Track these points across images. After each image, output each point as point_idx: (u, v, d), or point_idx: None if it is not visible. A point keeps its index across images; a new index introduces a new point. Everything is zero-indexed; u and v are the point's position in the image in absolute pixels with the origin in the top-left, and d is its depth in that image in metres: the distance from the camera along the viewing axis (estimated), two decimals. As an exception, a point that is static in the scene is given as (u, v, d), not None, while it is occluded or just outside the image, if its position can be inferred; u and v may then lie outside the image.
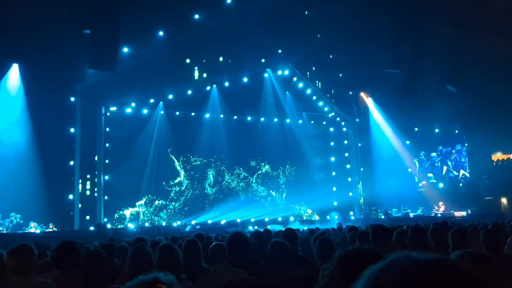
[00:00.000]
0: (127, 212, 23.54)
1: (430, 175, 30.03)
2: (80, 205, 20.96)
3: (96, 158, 22.08)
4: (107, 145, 23.00)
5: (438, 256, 0.92)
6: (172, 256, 4.11)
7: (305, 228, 14.20)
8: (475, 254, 2.33)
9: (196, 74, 23.97)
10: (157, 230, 19.05)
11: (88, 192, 21.53)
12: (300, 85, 26.96)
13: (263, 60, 25.49)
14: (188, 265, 4.70)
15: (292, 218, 25.92)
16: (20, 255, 4.06)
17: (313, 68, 27.11)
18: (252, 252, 5.29)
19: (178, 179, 25.36)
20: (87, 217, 20.95)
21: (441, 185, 29.75)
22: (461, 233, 5.51)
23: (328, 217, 25.87)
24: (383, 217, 25.43)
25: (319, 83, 27.48)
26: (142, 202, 23.98)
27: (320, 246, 4.54)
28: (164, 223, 23.63)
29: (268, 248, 4.79)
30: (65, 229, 19.48)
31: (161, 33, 22.18)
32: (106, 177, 22.71)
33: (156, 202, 24.40)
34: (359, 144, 28.93)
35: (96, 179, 21.92)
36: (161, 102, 24.49)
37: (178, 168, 25.42)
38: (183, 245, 5.04)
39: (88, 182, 21.62)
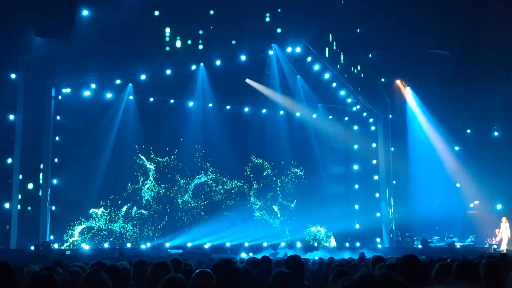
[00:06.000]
0: (80, 228, 23.60)
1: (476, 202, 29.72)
2: (18, 217, 20.87)
3: (42, 156, 22.06)
4: (57, 138, 23.05)
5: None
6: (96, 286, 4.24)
7: (316, 257, 14.43)
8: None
9: (178, 44, 23.93)
10: (119, 253, 19.15)
11: (29, 200, 21.41)
12: (316, 67, 26.69)
13: (267, 19, 24.92)
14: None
15: (299, 244, 26.03)
16: None
17: (334, 46, 26.96)
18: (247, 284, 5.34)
19: (147, 185, 25.40)
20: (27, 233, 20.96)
21: (499, 206, 29.53)
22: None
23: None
24: (420, 246, 25.48)
25: (341, 66, 27.35)
26: (99, 212, 24.04)
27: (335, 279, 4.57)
28: (129, 245, 23.81)
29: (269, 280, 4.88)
30: (-3, 247, 19.49)
31: (133, -9, 22.21)
32: (54, 181, 22.79)
33: (121, 210, 24.50)
34: (392, 149, 28.96)
35: (41, 183, 21.88)
36: (130, 84, 24.57)
37: (149, 171, 25.50)
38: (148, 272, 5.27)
39: (30, 187, 21.47)
